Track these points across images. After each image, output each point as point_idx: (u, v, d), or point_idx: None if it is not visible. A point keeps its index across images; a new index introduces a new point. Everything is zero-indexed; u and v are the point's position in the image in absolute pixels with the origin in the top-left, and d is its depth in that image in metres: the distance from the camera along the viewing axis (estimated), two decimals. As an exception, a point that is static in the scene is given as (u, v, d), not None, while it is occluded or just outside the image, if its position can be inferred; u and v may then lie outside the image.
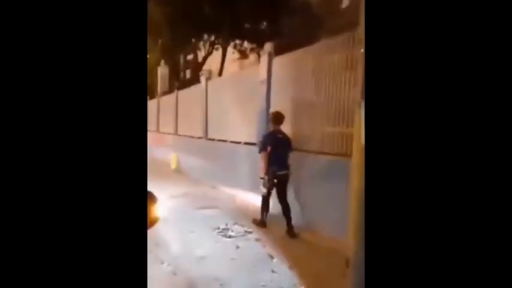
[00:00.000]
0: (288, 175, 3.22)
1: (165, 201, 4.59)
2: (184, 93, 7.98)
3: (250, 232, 3.31)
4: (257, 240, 3.09)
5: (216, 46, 13.04)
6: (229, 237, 3.19)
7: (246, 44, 13.21)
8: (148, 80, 14.55)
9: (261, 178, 3.22)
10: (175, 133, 8.24)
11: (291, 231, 3.11)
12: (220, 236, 3.21)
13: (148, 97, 12.26)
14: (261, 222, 3.37)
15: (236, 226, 3.51)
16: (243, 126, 4.94)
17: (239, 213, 4.03)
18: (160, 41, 12.14)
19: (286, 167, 3.20)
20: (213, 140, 6.05)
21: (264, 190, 3.20)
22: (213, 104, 6.06)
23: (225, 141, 5.54)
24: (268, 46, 4.15)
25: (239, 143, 5.04)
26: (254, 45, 12.29)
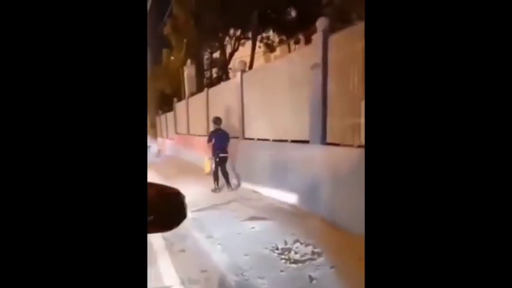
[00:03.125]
0: (227, 156, 5.11)
1: (207, 212, 4.02)
2: (215, 91, 7.41)
3: (319, 254, 2.61)
4: (333, 267, 2.38)
5: (242, 41, 12.45)
6: (295, 262, 2.50)
7: (271, 36, 12.55)
8: (175, 82, 14.33)
9: (210, 159, 5.28)
10: (207, 134, 7.71)
11: (229, 186, 5.14)
12: (283, 261, 2.53)
13: (175, 99, 11.94)
14: (215, 189, 5.12)
15: (298, 245, 2.82)
16: (289, 121, 4.24)
17: (296, 225, 3.33)
18: (185, 40, 11.76)
19: (226, 151, 5.07)
20: (251, 139, 5.40)
21: (213, 166, 5.13)
22: (250, 98, 5.40)
23: (266, 140, 4.87)
24: (322, 22, 3.40)
25: (285, 141, 4.35)
26: (283, 37, 11.57)
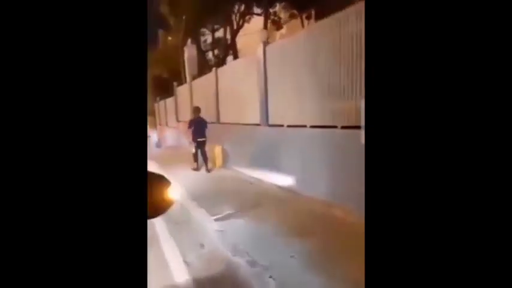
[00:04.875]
0: (205, 141, 5.88)
1: (233, 222, 3.13)
2: (226, 71, 6.40)
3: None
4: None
5: (246, 18, 11.30)
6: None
7: (278, 12, 11.43)
8: (174, 65, 13.20)
9: (190, 143, 5.96)
10: (217, 121, 6.74)
11: (207, 169, 5.86)
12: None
13: (175, 84, 10.88)
14: (196, 168, 5.99)
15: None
16: (336, 102, 3.31)
17: (352, 242, 2.46)
18: (184, 17, 10.59)
19: (204, 136, 5.84)
20: (280, 126, 4.48)
21: (193, 150, 5.92)
22: (276, 76, 4.43)
23: (302, 126, 3.94)
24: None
25: (333, 127, 3.43)
26: (294, 11, 10.46)
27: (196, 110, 5.99)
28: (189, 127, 5.86)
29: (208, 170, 5.85)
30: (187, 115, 9.19)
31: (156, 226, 3.13)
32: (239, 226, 3.02)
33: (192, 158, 6.04)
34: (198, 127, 5.79)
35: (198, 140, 5.79)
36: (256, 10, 11.21)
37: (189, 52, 10.21)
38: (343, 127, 3.26)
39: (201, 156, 5.89)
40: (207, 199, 3.95)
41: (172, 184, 0.75)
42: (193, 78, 9.24)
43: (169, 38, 12.68)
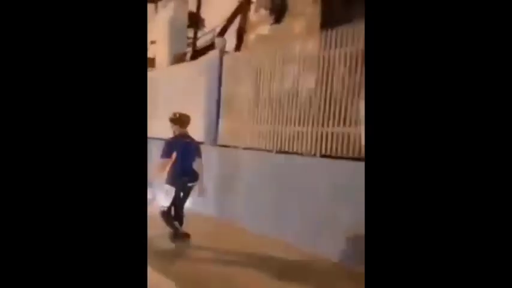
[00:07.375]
0: (193, 186, 2.89)
1: None
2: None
3: None
4: None
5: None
6: None
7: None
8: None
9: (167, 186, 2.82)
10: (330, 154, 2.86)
11: (176, 236, 2.85)
12: None
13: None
14: (176, 237, 2.81)
15: None
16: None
17: None
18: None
19: (195, 177, 2.85)
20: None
21: (166, 203, 2.75)
22: None
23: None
24: None
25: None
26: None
27: (184, 120, 2.86)
28: (166, 155, 2.74)
29: (175, 238, 2.78)
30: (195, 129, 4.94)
31: None
32: None
33: (162, 221, 2.79)
34: (184, 156, 2.77)
35: (189, 184, 2.79)
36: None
37: (168, 14, 5.81)
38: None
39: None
40: None
41: None
42: (178, 59, 5.15)
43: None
